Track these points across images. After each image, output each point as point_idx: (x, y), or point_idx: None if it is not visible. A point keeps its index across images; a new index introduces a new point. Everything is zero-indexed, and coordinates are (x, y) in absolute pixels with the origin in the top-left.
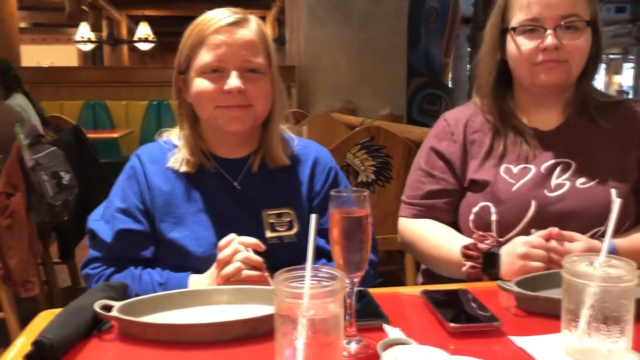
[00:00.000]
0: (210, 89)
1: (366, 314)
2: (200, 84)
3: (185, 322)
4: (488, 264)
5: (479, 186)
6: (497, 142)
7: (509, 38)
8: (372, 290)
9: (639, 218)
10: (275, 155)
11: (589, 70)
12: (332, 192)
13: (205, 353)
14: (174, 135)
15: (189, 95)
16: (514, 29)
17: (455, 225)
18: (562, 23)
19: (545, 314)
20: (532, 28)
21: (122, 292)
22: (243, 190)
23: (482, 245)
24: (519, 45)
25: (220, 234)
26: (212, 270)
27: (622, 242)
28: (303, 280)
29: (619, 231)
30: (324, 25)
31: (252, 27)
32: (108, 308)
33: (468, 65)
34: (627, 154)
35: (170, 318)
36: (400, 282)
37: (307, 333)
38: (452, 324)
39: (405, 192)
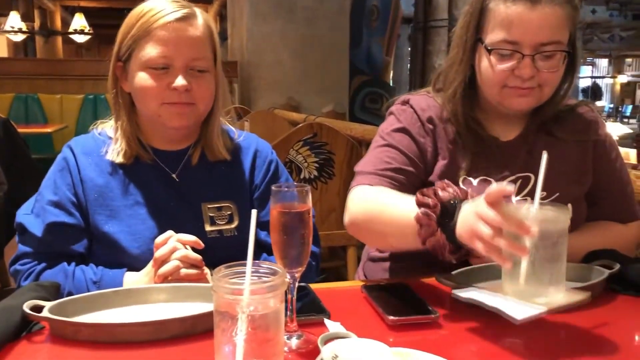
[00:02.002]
0: (155, 85)
1: (307, 309)
2: (145, 79)
3: (121, 321)
4: (445, 213)
5: None
6: (458, 150)
7: (481, 51)
8: (314, 286)
9: (588, 219)
10: (215, 148)
11: (562, 89)
12: (272, 187)
13: (142, 353)
14: (109, 127)
15: (128, 85)
16: (489, 47)
17: None
18: (541, 50)
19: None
20: (509, 54)
21: (53, 292)
22: (182, 183)
23: (442, 193)
24: (492, 65)
25: (158, 228)
26: (149, 268)
27: None
28: (243, 276)
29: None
30: (267, 20)
31: (200, 22)
32: (38, 309)
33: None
34: (583, 160)
35: (105, 318)
36: (343, 278)
37: (247, 329)
38: (391, 317)
39: (368, 166)
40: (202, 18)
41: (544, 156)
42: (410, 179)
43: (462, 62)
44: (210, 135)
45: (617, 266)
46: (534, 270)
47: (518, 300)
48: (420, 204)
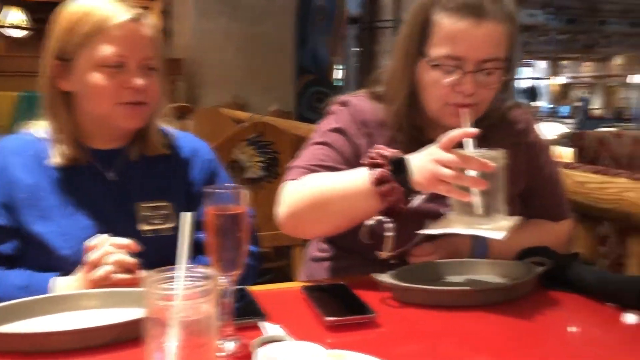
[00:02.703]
0: (109, 84)
1: (245, 312)
2: (98, 78)
3: (49, 330)
4: (396, 169)
5: None
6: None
7: (424, 64)
8: (253, 288)
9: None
10: (152, 143)
11: (497, 101)
12: (205, 189)
13: None
14: (41, 127)
15: (69, 84)
16: (432, 63)
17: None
18: (482, 67)
19: (418, 304)
20: (452, 69)
21: None
22: (118, 182)
23: (385, 153)
24: (434, 80)
25: (91, 229)
26: (80, 272)
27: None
28: (175, 281)
29: None
30: (212, 18)
31: (150, 22)
32: None
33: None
34: (516, 163)
35: (33, 326)
36: (288, 278)
37: (179, 336)
38: (329, 318)
39: (303, 161)
40: (150, 18)
41: (464, 113)
42: None
43: (405, 74)
44: (148, 131)
45: (549, 263)
46: (484, 201)
47: (470, 229)
48: (373, 166)
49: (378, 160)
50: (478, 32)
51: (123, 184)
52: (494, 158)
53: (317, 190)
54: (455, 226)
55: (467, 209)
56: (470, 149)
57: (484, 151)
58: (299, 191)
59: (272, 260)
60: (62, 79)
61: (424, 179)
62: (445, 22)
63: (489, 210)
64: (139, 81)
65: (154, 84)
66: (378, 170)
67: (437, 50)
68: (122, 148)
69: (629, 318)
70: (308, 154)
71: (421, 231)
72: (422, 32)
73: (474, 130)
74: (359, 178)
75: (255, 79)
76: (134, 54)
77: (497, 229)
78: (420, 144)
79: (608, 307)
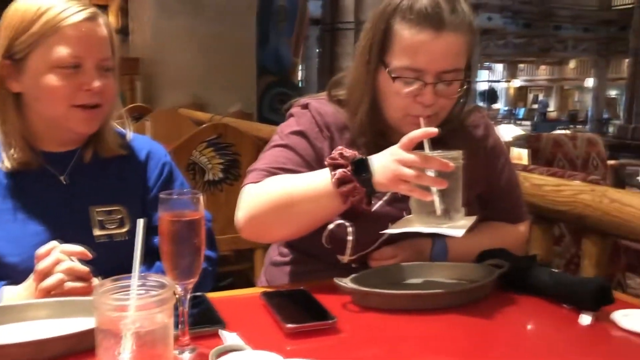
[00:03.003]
0: (65, 86)
1: (202, 320)
2: (54, 80)
3: None
4: (358, 169)
5: None
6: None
7: (385, 74)
8: (211, 295)
9: (480, 221)
10: (107, 144)
11: (456, 109)
12: (161, 195)
13: None
14: None
15: (20, 85)
16: (393, 74)
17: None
18: (443, 78)
19: (378, 308)
20: (412, 80)
21: None
22: (70, 185)
23: (346, 154)
24: (395, 91)
25: (42, 234)
26: (29, 281)
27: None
28: (128, 291)
29: None
30: (172, 16)
31: (103, 22)
32: None
33: (317, 66)
34: (475, 167)
35: None
36: (250, 282)
37: (132, 347)
38: (289, 325)
39: (263, 164)
40: (102, 17)
41: (422, 120)
42: None
43: (367, 83)
44: (103, 133)
45: (507, 265)
46: (443, 201)
47: (430, 228)
48: (334, 167)
49: (339, 161)
50: (437, 44)
51: (76, 187)
52: (453, 158)
53: (277, 193)
54: (416, 225)
55: (427, 208)
56: (428, 149)
57: (442, 152)
58: (258, 194)
59: (232, 263)
60: (12, 80)
61: (385, 178)
62: (406, 34)
63: (448, 210)
64: (96, 83)
65: (110, 85)
66: (339, 171)
67: (397, 61)
68: (75, 150)
69: (585, 319)
70: (269, 157)
71: (383, 231)
72: (383, 41)
73: (434, 130)
74: (321, 179)
75: (216, 79)
76: (90, 54)
77: (456, 227)
78: (382, 148)
79: (565, 308)
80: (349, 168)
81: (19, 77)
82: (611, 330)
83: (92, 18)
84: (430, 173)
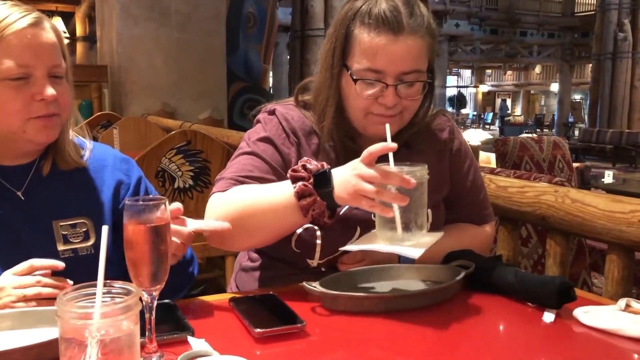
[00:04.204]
0: (17, 99)
1: (170, 327)
2: (3, 94)
3: None
4: (319, 183)
5: None
6: (327, 162)
7: (347, 77)
8: (180, 301)
9: (446, 223)
10: (67, 155)
11: (421, 112)
12: (126, 201)
13: None
14: None
15: None
16: (355, 77)
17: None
18: (404, 79)
19: (347, 311)
20: (373, 82)
21: None
22: (29, 200)
23: (310, 166)
24: (357, 93)
25: (5, 252)
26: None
27: None
28: (92, 299)
29: None
30: (139, 23)
31: (49, 27)
32: None
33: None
34: (440, 170)
35: None
36: (221, 289)
37: (97, 355)
38: (257, 330)
39: (231, 172)
40: (48, 22)
41: (387, 127)
42: None
43: (332, 87)
44: (61, 143)
45: (473, 266)
46: (405, 217)
47: (393, 245)
48: (295, 179)
49: (301, 173)
50: (396, 47)
51: (36, 202)
52: (416, 173)
53: (242, 203)
54: (376, 243)
55: (389, 224)
56: (391, 163)
57: (406, 167)
58: (224, 204)
59: (203, 271)
60: None
61: (346, 193)
62: (365, 38)
63: (410, 227)
64: (49, 91)
65: (64, 92)
66: (299, 184)
67: (358, 64)
68: (32, 163)
69: (548, 317)
70: (236, 165)
71: (343, 247)
72: (344, 45)
73: (394, 145)
74: (283, 192)
75: (186, 86)
76: (39, 62)
77: (418, 245)
78: (351, 151)
79: (529, 306)
80: (311, 181)
81: None
82: (573, 326)
83: (36, 23)
84: (393, 188)
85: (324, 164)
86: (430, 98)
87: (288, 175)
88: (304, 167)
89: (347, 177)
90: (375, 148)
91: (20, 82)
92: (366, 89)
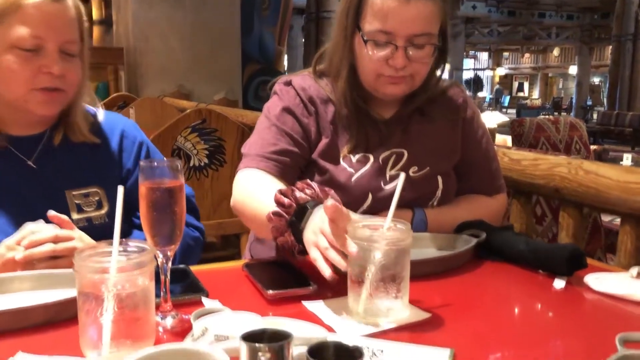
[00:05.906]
0: (24, 68)
1: (185, 289)
2: (12, 62)
3: None
4: (298, 214)
5: (318, 170)
6: (338, 129)
7: (359, 39)
8: (194, 268)
9: (457, 193)
10: (78, 129)
11: (434, 78)
12: (141, 163)
13: (3, 343)
14: None
15: None
16: (365, 38)
17: None
18: (414, 42)
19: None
20: (384, 43)
21: None
22: (41, 169)
23: (299, 194)
24: (368, 54)
25: (14, 220)
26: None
27: (433, 212)
28: (108, 256)
29: (443, 204)
30: (154, 6)
31: (72, 4)
32: None
33: (302, 55)
34: (452, 137)
35: None
36: None
37: (114, 309)
38: (270, 291)
39: (254, 148)
40: (73, 0)
41: (402, 176)
42: (295, 159)
43: (345, 48)
44: (72, 117)
45: (484, 235)
46: (378, 288)
47: (364, 317)
48: (277, 203)
49: (285, 200)
50: (407, 9)
51: (47, 171)
52: (396, 241)
53: (246, 197)
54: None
55: (358, 292)
56: (387, 221)
57: (392, 228)
58: (240, 189)
59: (218, 249)
60: None
61: (307, 238)
62: (377, 0)
63: (382, 299)
64: (57, 66)
65: (73, 70)
66: (275, 210)
67: (369, 25)
68: (42, 134)
69: (558, 284)
70: (259, 138)
71: (304, 303)
72: (358, 6)
73: (343, 264)
74: (266, 206)
75: (200, 68)
76: (53, 36)
77: (393, 321)
78: (365, 118)
79: (540, 274)
80: (291, 209)
81: None
82: (584, 292)
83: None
84: (353, 248)
85: (322, 191)
86: (443, 64)
87: (274, 196)
88: (292, 192)
89: (318, 220)
90: (331, 206)
91: (31, 53)
92: (377, 50)
